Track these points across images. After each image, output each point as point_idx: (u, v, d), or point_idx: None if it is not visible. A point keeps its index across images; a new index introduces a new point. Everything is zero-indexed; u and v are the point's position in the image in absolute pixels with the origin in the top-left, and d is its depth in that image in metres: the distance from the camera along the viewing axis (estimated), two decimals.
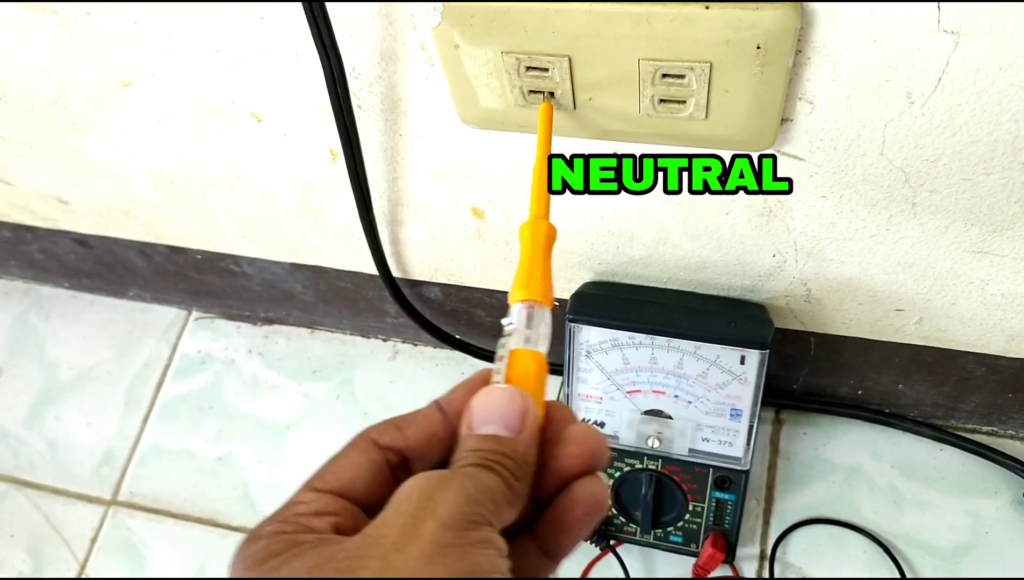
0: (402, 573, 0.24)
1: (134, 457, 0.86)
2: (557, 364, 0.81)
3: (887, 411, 0.75)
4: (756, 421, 0.63)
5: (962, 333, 0.61)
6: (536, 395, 0.31)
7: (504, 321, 0.33)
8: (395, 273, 0.70)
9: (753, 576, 0.72)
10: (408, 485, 0.27)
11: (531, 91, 0.45)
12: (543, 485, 0.31)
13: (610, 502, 0.31)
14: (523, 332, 0.33)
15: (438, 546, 0.25)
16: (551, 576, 0.31)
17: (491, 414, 0.30)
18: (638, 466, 0.67)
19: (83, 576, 0.80)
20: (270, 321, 0.90)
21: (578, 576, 0.73)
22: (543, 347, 0.33)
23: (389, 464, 0.30)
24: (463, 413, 0.30)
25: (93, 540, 0.82)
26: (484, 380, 0.32)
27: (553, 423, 0.32)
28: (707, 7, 0.38)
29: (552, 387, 0.81)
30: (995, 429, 0.74)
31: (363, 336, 0.88)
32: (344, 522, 0.28)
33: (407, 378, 0.85)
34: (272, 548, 0.26)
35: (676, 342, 0.61)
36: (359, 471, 0.29)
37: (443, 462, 0.31)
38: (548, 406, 0.32)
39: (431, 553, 0.25)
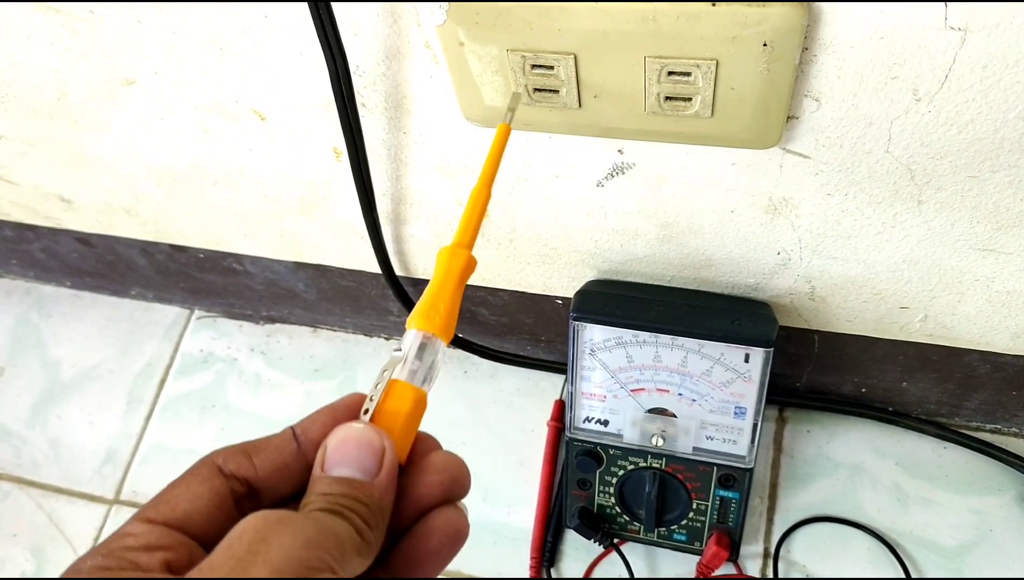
0: None
1: (136, 456, 0.86)
2: (561, 363, 0.81)
3: (891, 409, 0.75)
4: (760, 419, 0.63)
5: (967, 331, 0.61)
6: (404, 434, 0.30)
7: (393, 348, 0.32)
8: (398, 271, 0.70)
9: (757, 574, 0.71)
10: (242, 524, 0.25)
11: (536, 89, 0.44)
12: (399, 515, 0.29)
13: (468, 533, 0.30)
14: (411, 363, 0.31)
15: None
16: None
17: (345, 455, 0.27)
18: (642, 464, 0.67)
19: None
20: (272, 320, 0.90)
21: (581, 576, 0.73)
22: (428, 384, 0.31)
23: (234, 494, 0.28)
24: (318, 451, 0.28)
25: (96, 539, 0.82)
26: (348, 408, 0.30)
27: (415, 448, 0.30)
28: (713, 4, 0.38)
29: (556, 386, 0.81)
30: (999, 427, 0.74)
31: (366, 335, 0.88)
32: (177, 558, 0.26)
33: None
34: None
35: (680, 340, 0.61)
36: (198, 502, 0.27)
37: (295, 495, 0.28)
38: (416, 439, 0.30)
39: None
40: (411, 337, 0.32)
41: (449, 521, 0.29)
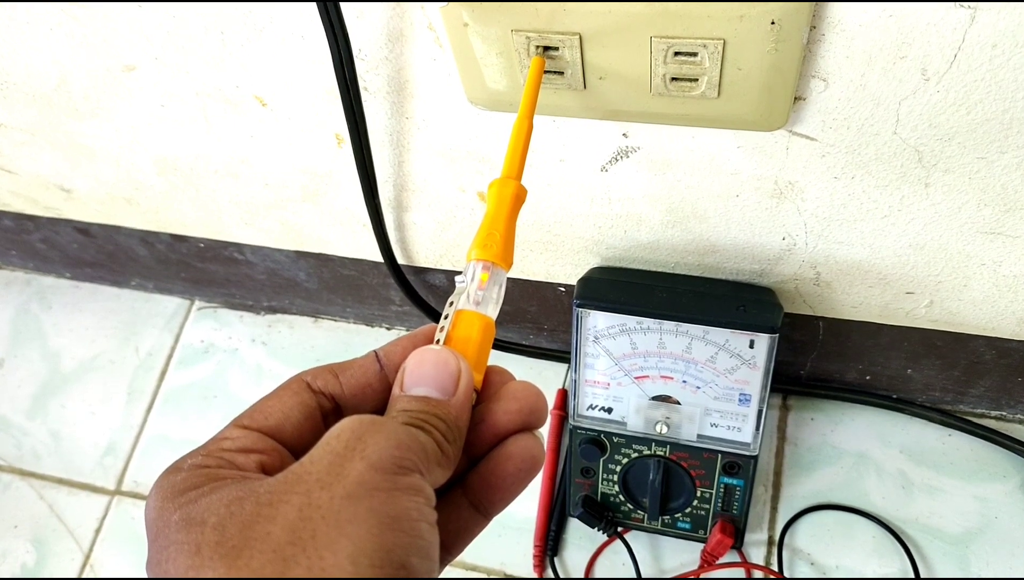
0: (324, 511, 0.23)
1: (137, 447, 0.85)
2: (563, 351, 0.81)
3: (895, 396, 0.75)
4: (765, 406, 0.63)
5: (973, 316, 0.60)
6: (476, 359, 0.31)
7: (457, 278, 0.32)
8: (400, 260, 0.70)
9: (761, 563, 0.71)
10: (339, 425, 0.26)
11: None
12: (478, 440, 0.30)
13: (544, 460, 0.31)
14: (474, 292, 0.32)
15: (364, 487, 0.24)
16: (480, 531, 0.31)
17: (424, 376, 0.29)
18: (646, 452, 0.67)
19: (87, 566, 0.80)
20: (273, 310, 0.90)
21: (585, 564, 0.73)
22: (492, 311, 0.32)
23: (321, 409, 0.30)
24: (398, 372, 0.30)
25: (97, 530, 0.82)
26: (427, 336, 0.31)
27: (492, 380, 0.31)
28: None
29: (559, 373, 0.81)
30: (1004, 414, 0.74)
31: (367, 325, 0.88)
32: (271, 461, 0.27)
33: None
34: (192, 480, 0.26)
35: (684, 327, 0.60)
36: (290, 412, 0.29)
37: (377, 414, 0.29)
38: (489, 369, 0.31)
39: (356, 493, 0.24)
40: (471, 268, 0.33)
41: (526, 447, 0.30)
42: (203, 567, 0.23)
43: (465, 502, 0.30)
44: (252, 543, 0.23)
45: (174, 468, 0.27)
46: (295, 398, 0.29)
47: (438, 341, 0.31)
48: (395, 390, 0.29)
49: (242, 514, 0.24)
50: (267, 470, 0.27)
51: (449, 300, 0.32)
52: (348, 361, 0.31)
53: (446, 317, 0.31)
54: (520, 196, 0.35)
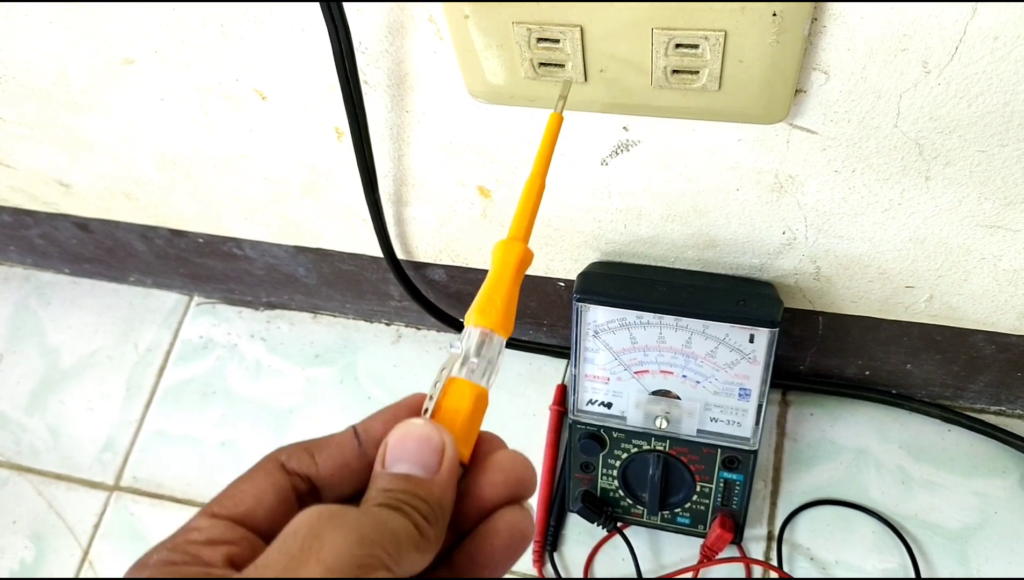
0: None
1: (136, 443, 0.85)
2: (562, 347, 0.81)
3: (895, 392, 0.75)
4: (765, 401, 0.63)
5: (973, 311, 0.60)
6: (466, 432, 0.29)
7: (452, 343, 0.31)
8: (399, 255, 0.70)
9: (761, 557, 0.71)
10: (296, 520, 0.25)
11: (542, 63, 0.44)
12: (463, 514, 0.29)
13: (533, 534, 0.29)
14: (470, 360, 0.31)
15: None
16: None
17: (405, 452, 0.27)
18: (645, 447, 0.67)
19: (86, 562, 0.80)
20: (272, 306, 0.90)
21: (584, 558, 0.73)
22: (487, 381, 0.31)
23: (296, 491, 0.28)
24: (380, 448, 0.28)
25: (96, 526, 0.81)
26: (411, 407, 0.30)
27: (480, 449, 0.30)
28: None
29: (558, 369, 0.81)
30: (1003, 409, 0.74)
31: (366, 320, 0.88)
32: (240, 552, 0.26)
33: (410, 362, 0.85)
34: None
35: (684, 321, 0.60)
36: (263, 497, 0.27)
37: (356, 494, 0.29)
38: (479, 438, 0.30)
39: None
40: (468, 333, 0.32)
41: (514, 522, 0.29)
42: None
43: None
44: None
45: (141, 564, 0.26)
46: (267, 480, 0.28)
47: (426, 410, 0.29)
48: (376, 467, 0.28)
49: None
50: (235, 562, 0.26)
51: (441, 366, 0.30)
52: (325, 438, 0.29)
53: (436, 384, 0.30)
54: (526, 260, 0.34)
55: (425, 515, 0.26)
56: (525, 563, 0.73)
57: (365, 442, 0.29)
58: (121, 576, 0.26)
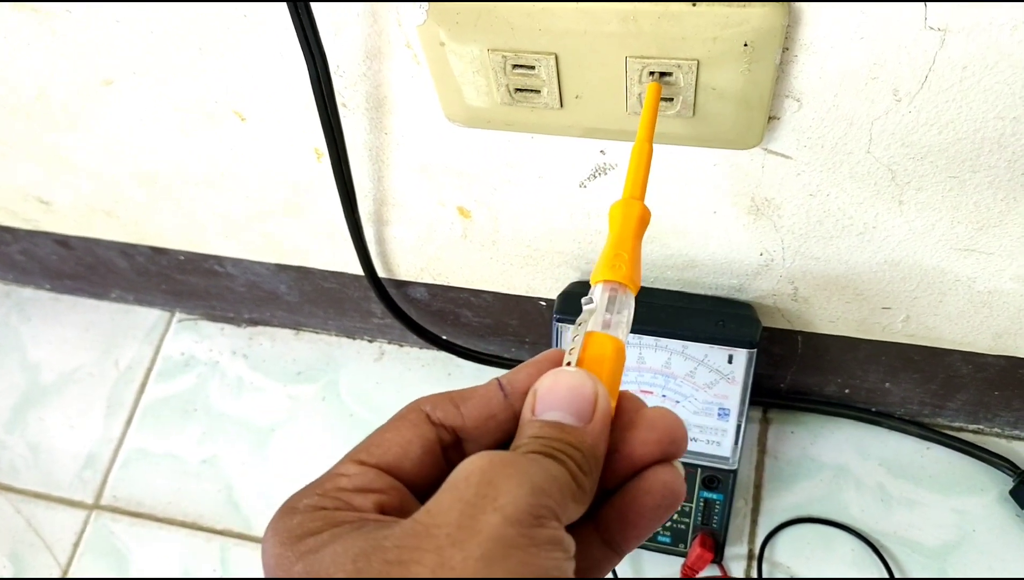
0: (459, 573, 0.22)
1: (117, 460, 0.85)
2: None
3: (874, 410, 0.75)
4: (744, 420, 0.63)
5: (949, 331, 0.61)
6: (610, 383, 0.28)
7: (584, 300, 0.31)
8: (381, 273, 0.70)
9: (742, 576, 0.71)
10: (467, 466, 0.24)
11: (517, 89, 0.44)
12: (611, 472, 0.27)
13: (684, 495, 0.28)
14: (603, 315, 0.30)
15: (501, 544, 0.22)
16: (612, 568, 0.28)
17: (558, 399, 0.26)
18: None
19: (65, 578, 0.79)
20: (254, 322, 0.89)
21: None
22: (622, 334, 0.30)
23: (441, 442, 0.27)
24: (527, 396, 0.27)
25: (76, 544, 0.81)
26: (552, 361, 0.29)
27: (624, 407, 0.29)
28: (694, 4, 0.38)
29: None
30: (981, 427, 0.74)
31: (349, 337, 0.87)
32: (390, 501, 0.25)
33: (393, 379, 0.85)
34: (309, 525, 0.24)
35: (664, 341, 0.61)
36: (408, 447, 0.27)
37: (500, 447, 0.28)
38: (620, 396, 0.29)
39: (493, 553, 0.22)
40: (598, 290, 0.31)
41: (667, 482, 0.27)
42: None
43: (597, 538, 0.28)
44: None
45: (289, 509, 0.25)
46: (413, 430, 0.27)
47: (568, 363, 0.28)
48: (525, 414, 0.27)
49: (370, 571, 0.22)
50: (386, 511, 0.25)
51: (578, 321, 0.30)
52: (469, 389, 0.28)
53: (574, 338, 0.29)
54: (645, 217, 0.34)
55: (579, 464, 0.25)
56: None
57: (510, 393, 0.28)
58: (270, 520, 0.25)
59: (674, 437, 0.28)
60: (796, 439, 0.76)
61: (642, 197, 0.35)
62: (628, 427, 0.28)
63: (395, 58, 0.47)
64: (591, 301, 0.31)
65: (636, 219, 0.34)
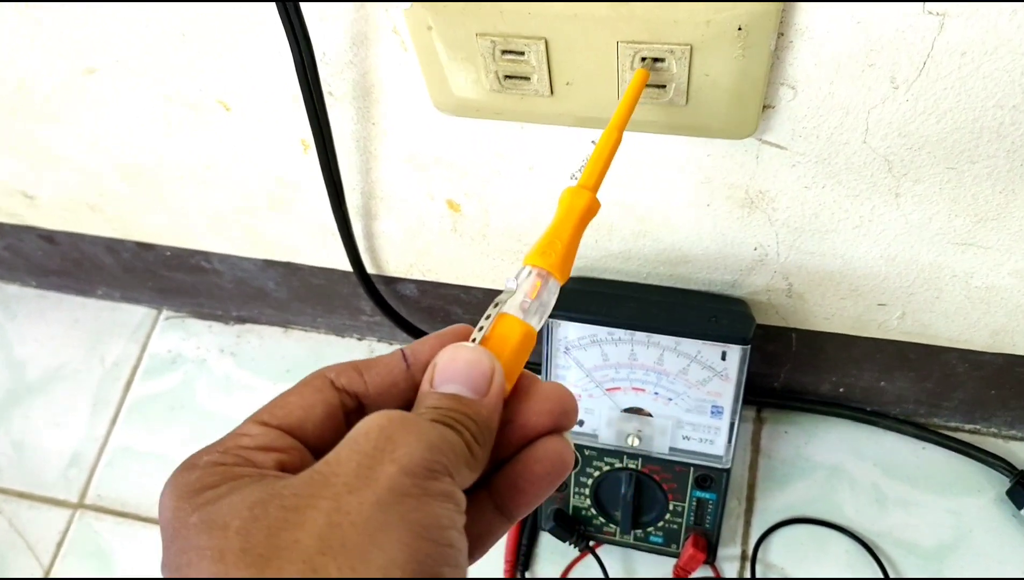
0: (354, 518, 0.23)
1: (102, 459, 0.83)
2: (535, 362, 0.80)
3: (869, 409, 0.74)
4: (737, 418, 0.62)
5: (945, 328, 0.60)
6: (511, 366, 0.29)
7: (507, 279, 0.31)
8: (369, 269, 0.69)
9: (735, 576, 0.70)
10: (366, 422, 0.25)
11: (507, 76, 0.43)
12: (505, 441, 0.29)
13: (575, 464, 0.30)
14: (521, 298, 0.31)
15: (395, 493, 0.23)
16: (504, 534, 0.30)
17: (455, 373, 0.28)
18: (617, 465, 0.66)
19: (47, 578, 0.78)
20: (242, 320, 0.88)
21: (557, 578, 0.72)
22: (536, 322, 0.31)
23: (344, 408, 0.29)
24: (428, 368, 0.29)
25: (59, 544, 0.80)
26: (457, 335, 0.30)
27: (520, 383, 0.30)
28: None
29: None
30: (978, 427, 0.73)
31: (338, 335, 0.86)
32: (290, 460, 0.26)
33: None
34: (208, 479, 0.25)
35: (656, 338, 0.60)
36: (311, 410, 0.28)
37: None
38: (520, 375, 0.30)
39: (387, 499, 0.23)
40: (524, 273, 0.32)
41: (556, 450, 0.29)
42: (229, 573, 0.22)
43: (490, 504, 0.29)
44: (280, 552, 0.22)
45: (188, 465, 0.25)
46: (317, 395, 0.28)
47: (474, 339, 0.29)
48: (424, 386, 0.28)
49: (267, 518, 0.23)
50: (287, 469, 0.26)
51: (495, 301, 0.30)
52: (373, 358, 0.30)
53: (487, 317, 0.30)
54: (592, 209, 0.34)
55: (474, 434, 0.27)
56: None
57: (412, 364, 0.30)
58: (170, 474, 0.26)
59: (565, 408, 0.30)
60: (790, 439, 0.75)
61: (595, 187, 0.35)
62: (522, 399, 0.30)
63: (382, 44, 0.46)
64: (513, 283, 0.31)
65: (581, 209, 0.34)
